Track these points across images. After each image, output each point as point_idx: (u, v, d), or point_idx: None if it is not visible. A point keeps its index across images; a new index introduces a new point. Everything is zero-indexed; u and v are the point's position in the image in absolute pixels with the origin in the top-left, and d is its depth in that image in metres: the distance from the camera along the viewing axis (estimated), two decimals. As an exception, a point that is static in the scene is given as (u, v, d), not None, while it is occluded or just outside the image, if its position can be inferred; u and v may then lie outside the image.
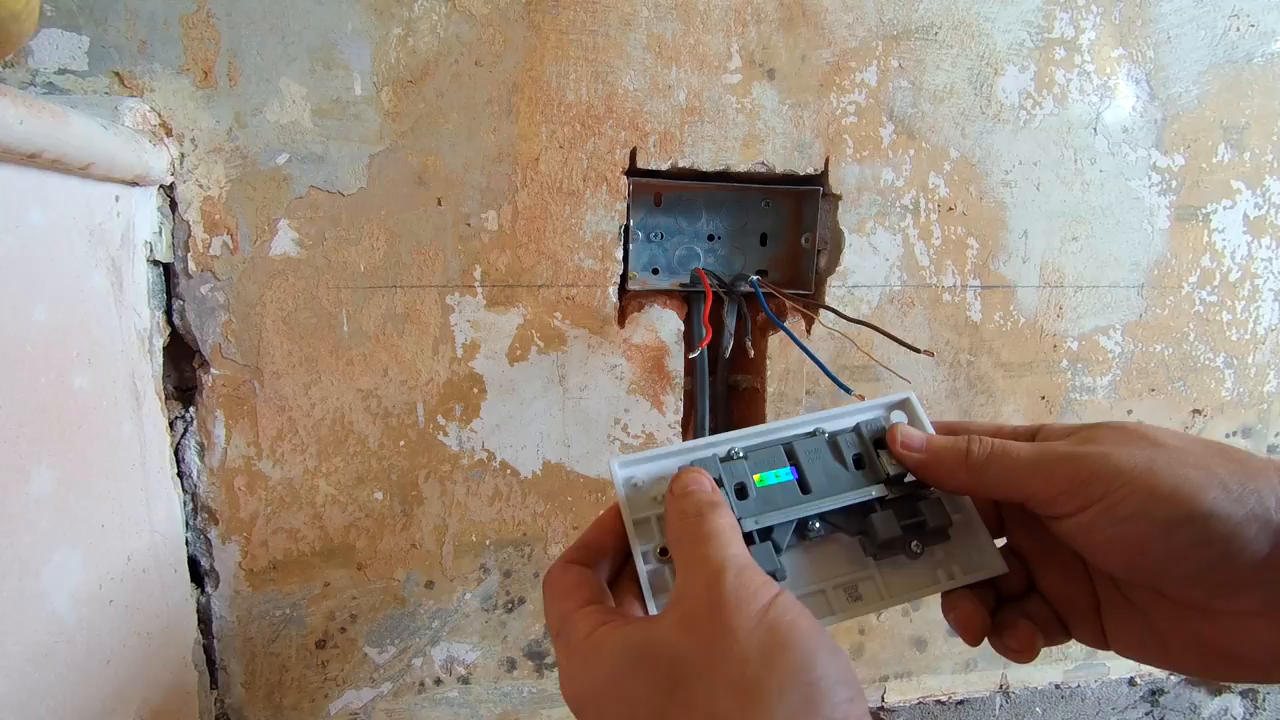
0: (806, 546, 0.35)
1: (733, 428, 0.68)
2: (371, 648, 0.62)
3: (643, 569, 0.33)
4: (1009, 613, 0.35)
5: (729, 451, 0.36)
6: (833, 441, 0.36)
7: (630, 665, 0.27)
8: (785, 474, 0.35)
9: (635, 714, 0.26)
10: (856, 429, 0.37)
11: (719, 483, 0.34)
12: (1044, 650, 0.35)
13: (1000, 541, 0.36)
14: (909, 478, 0.35)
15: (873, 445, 0.36)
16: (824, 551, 0.31)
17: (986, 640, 0.35)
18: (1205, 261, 0.72)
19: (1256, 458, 0.29)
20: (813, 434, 0.37)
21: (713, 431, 0.65)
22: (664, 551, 0.34)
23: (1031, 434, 0.35)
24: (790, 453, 0.36)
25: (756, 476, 0.35)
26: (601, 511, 0.40)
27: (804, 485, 0.35)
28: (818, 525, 0.35)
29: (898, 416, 0.38)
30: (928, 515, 0.35)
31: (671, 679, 0.25)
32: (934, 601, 0.36)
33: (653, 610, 0.33)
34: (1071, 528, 0.30)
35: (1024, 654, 0.34)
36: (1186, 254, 0.71)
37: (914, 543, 0.34)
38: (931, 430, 0.37)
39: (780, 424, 0.37)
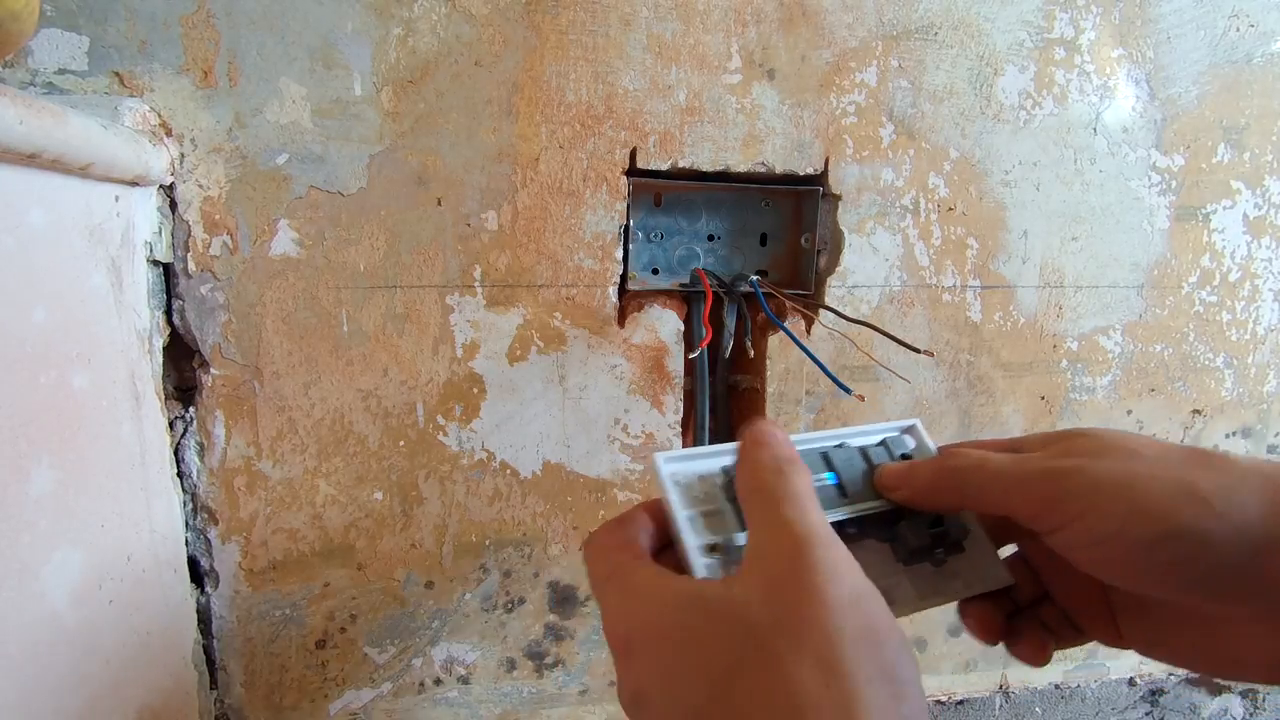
0: None
1: (733, 428, 0.68)
2: (371, 648, 0.62)
3: (700, 564, 0.32)
4: (1023, 619, 0.35)
5: None
6: (864, 453, 0.37)
7: (703, 619, 0.26)
8: (828, 477, 0.35)
9: (709, 668, 0.25)
10: (884, 444, 0.37)
11: None
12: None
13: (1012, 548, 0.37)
14: None
15: (901, 460, 0.37)
16: (859, 557, 0.31)
17: (990, 640, 0.35)
18: (1205, 261, 0.72)
19: (1239, 463, 0.28)
20: (839, 446, 0.37)
21: (713, 432, 0.65)
22: (713, 548, 0.33)
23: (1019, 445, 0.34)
24: (827, 459, 0.36)
25: None
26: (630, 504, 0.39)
27: (842, 489, 0.35)
28: (852, 530, 0.35)
29: (909, 441, 0.39)
30: (949, 526, 0.35)
31: (750, 640, 0.25)
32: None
33: None
34: (1056, 542, 0.30)
35: (1037, 660, 0.34)
36: (1186, 254, 0.71)
37: (939, 551, 0.35)
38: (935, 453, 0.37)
39: (802, 435, 0.37)
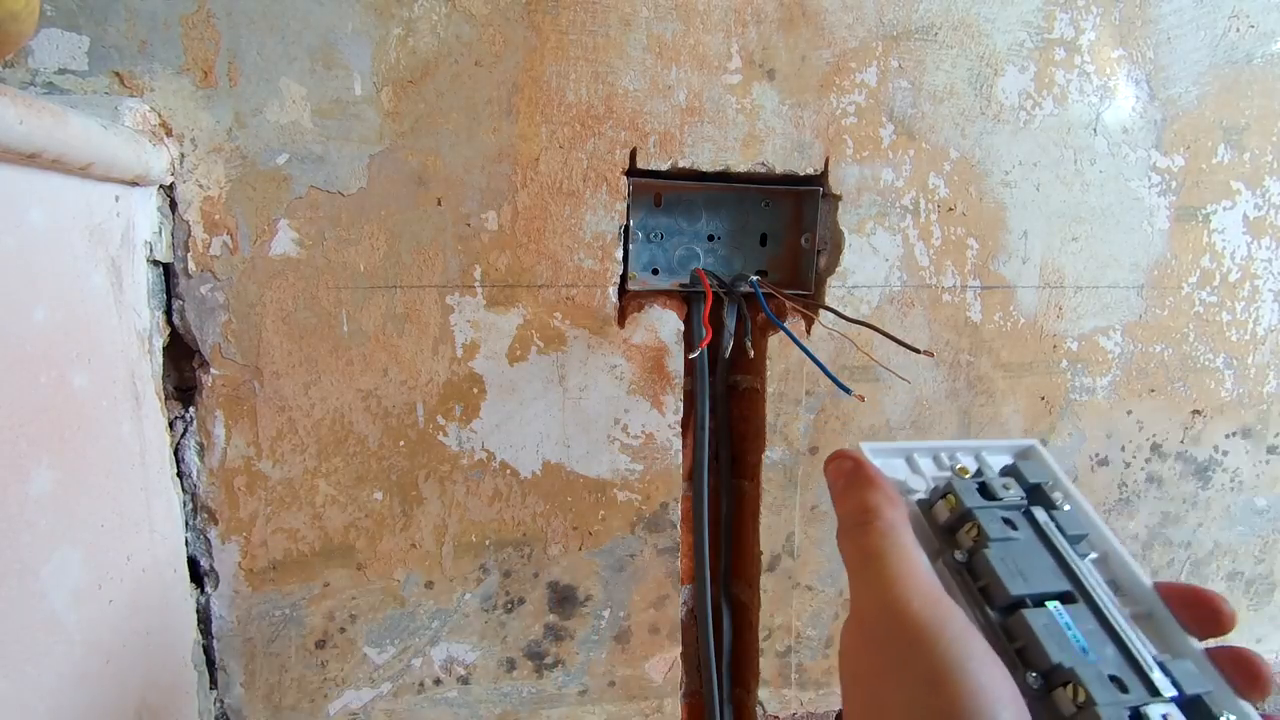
0: None
1: (733, 428, 0.68)
2: (371, 648, 0.62)
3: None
4: None
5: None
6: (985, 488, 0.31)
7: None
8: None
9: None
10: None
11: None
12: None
13: None
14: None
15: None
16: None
17: None
18: (1205, 262, 0.72)
19: None
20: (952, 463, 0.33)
21: (713, 431, 0.65)
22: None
23: None
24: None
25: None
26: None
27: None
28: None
29: (1035, 469, 0.33)
30: None
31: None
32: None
33: None
34: None
35: None
36: (1186, 254, 0.71)
37: None
38: (1074, 491, 0.32)
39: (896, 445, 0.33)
